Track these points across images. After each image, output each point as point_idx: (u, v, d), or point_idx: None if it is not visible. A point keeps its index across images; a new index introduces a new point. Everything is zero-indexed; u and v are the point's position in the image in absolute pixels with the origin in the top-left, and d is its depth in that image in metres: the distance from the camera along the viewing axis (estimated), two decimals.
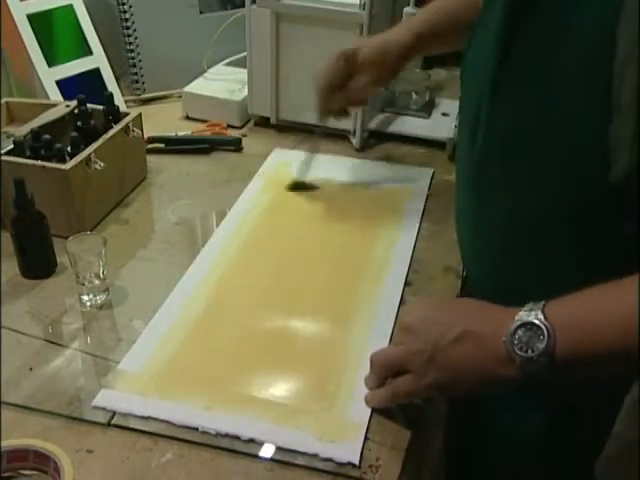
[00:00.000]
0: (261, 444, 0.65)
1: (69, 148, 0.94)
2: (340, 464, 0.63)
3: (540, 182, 0.62)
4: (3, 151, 0.93)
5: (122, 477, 0.62)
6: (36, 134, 0.94)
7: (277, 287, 0.86)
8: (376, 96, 1.23)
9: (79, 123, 0.99)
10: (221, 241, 0.94)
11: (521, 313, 0.56)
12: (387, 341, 0.76)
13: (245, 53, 1.21)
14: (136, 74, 1.34)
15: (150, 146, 1.14)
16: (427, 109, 1.27)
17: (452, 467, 0.89)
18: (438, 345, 0.60)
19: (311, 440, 0.65)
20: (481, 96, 0.66)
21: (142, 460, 0.63)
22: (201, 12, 1.36)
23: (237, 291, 0.85)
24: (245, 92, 1.24)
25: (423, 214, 1.01)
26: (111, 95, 1.05)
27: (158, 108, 1.34)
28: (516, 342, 0.56)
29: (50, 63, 1.20)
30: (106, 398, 0.69)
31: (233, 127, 1.25)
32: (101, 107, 1.03)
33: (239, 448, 0.64)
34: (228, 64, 1.36)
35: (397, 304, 0.83)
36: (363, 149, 1.19)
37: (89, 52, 1.25)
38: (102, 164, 0.93)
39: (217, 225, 0.98)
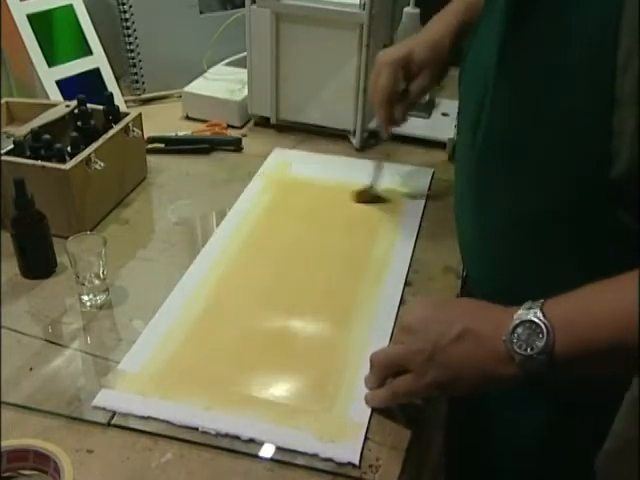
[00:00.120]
0: (261, 444, 0.65)
1: (69, 148, 0.94)
2: (340, 464, 0.63)
3: (540, 182, 0.63)
4: (3, 151, 0.93)
5: (122, 477, 0.62)
6: (36, 134, 0.94)
7: (277, 287, 0.86)
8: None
9: (79, 123, 0.99)
10: (221, 241, 0.94)
11: (520, 312, 0.57)
12: (387, 341, 0.76)
13: (245, 53, 1.21)
14: (136, 74, 1.34)
15: (150, 146, 1.14)
16: (427, 109, 1.27)
17: (452, 467, 0.89)
18: (438, 344, 0.60)
19: (311, 440, 0.65)
20: (482, 96, 0.66)
21: (142, 460, 0.63)
22: (201, 12, 1.36)
23: (237, 291, 0.85)
24: (245, 92, 1.24)
25: (423, 214, 1.01)
26: (111, 95, 1.05)
27: (158, 108, 1.34)
28: (515, 340, 0.56)
29: (50, 63, 1.20)
30: (106, 398, 0.69)
31: (233, 127, 1.25)
32: (101, 107, 1.03)
33: (239, 448, 0.64)
34: (228, 64, 1.36)
35: (397, 304, 0.83)
36: (363, 149, 1.19)
37: (89, 52, 1.25)
38: (102, 164, 0.93)
39: (217, 225, 0.98)
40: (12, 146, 0.94)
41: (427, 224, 0.99)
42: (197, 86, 1.29)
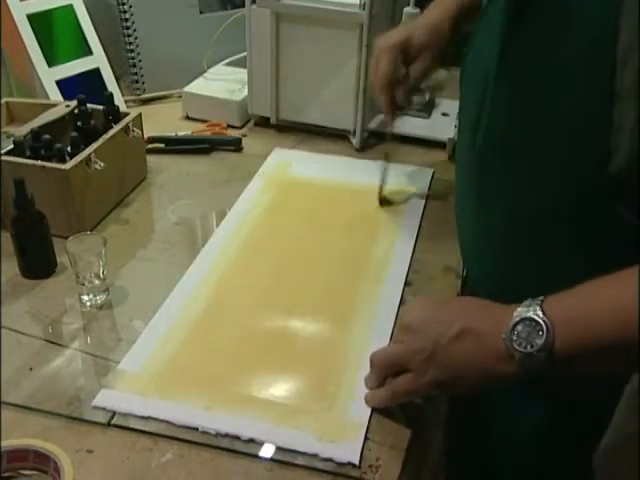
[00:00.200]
0: (261, 444, 0.65)
1: (69, 148, 0.94)
2: (340, 464, 0.63)
3: (540, 181, 0.63)
4: (3, 151, 0.93)
5: (122, 477, 0.62)
6: (36, 134, 0.94)
7: (277, 287, 0.86)
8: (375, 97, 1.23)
9: (79, 123, 0.99)
10: (221, 241, 0.94)
11: (520, 309, 0.57)
12: (387, 341, 0.76)
13: (245, 53, 1.21)
14: (136, 74, 1.34)
15: (150, 146, 1.14)
16: (427, 109, 1.27)
17: (452, 466, 0.89)
18: (438, 343, 0.60)
19: (311, 440, 0.65)
20: (482, 96, 0.66)
21: (142, 460, 0.63)
22: (201, 12, 1.36)
23: (237, 291, 0.85)
24: (245, 92, 1.24)
25: (423, 214, 1.01)
26: (111, 95, 1.05)
27: (158, 108, 1.34)
28: (515, 338, 0.56)
29: (50, 63, 1.20)
30: (106, 398, 0.69)
31: (233, 127, 1.25)
32: (101, 107, 1.03)
33: (239, 448, 0.64)
34: (228, 64, 1.36)
35: (397, 304, 0.83)
36: (363, 149, 1.19)
37: (89, 52, 1.25)
38: (102, 164, 0.93)
39: (217, 225, 0.98)
40: (12, 146, 0.94)
41: (427, 224, 0.99)
42: (197, 86, 1.29)
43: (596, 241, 0.62)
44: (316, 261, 0.91)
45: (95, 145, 0.94)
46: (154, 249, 0.93)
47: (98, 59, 1.26)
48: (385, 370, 0.66)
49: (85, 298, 0.82)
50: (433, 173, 1.11)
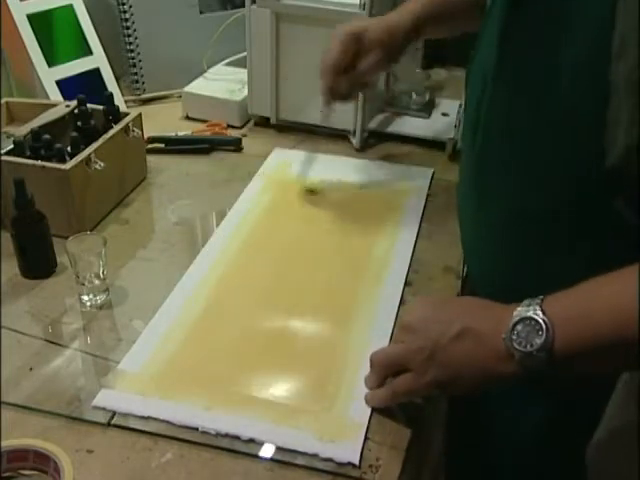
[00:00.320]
0: (261, 444, 0.65)
1: (69, 148, 0.94)
2: (340, 464, 0.63)
3: (539, 181, 0.63)
4: (3, 151, 0.93)
5: (122, 477, 0.62)
6: (36, 134, 0.94)
7: (277, 287, 0.86)
8: (376, 96, 1.23)
9: (79, 123, 0.99)
10: (221, 241, 0.94)
11: (519, 309, 0.57)
12: (387, 341, 0.76)
13: (245, 53, 1.21)
14: (136, 74, 1.34)
15: (150, 146, 1.14)
16: (427, 109, 1.27)
17: (452, 465, 0.89)
18: (438, 343, 0.60)
19: (311, 440, 0.65)
20: (482, 93, 0.66)
21: (142, 460, 0.63)
22: (201, 12, 1.36)
23: (237, 291, 0.85)
24: (245, 92, 1.24)
25: (423, 214, 1.01)
26: (111, 95, 1.05)
27: (158, 108, 1.34)
28: (515, 338, 0.56)
29: (50, 63, 1.20)
30: (106, 398, 0.69)
31: (233, 127, 1.25)
32: (101, 107, 1.03)
33: (239, 448, 0.64)
34: (228, 64, 1.36)
35: (397, 304, 0.83)
36: (363, 149, 1.19)
37: (89, 52, 1.25)
38: (102, 164, 0.93)
39: (217, 225, 0.98)
40: (12, 146, 0.94)
41: (427, 224, 0.99)
42: (197, 86, 1.29)
43: (596, 240, 0.62)
44: (316, 261, 0.91)
45: (95, 145, 0.94)
46: (154, 249, 0.93)
47: (98, 59, 1.26)
48: (385, 370, 0.66)
49: (85, 298, 0.82)
50: (433, 173, 1.11)
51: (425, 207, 1.02)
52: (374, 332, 0.78)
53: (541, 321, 0.55)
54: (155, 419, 0.67)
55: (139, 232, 0.97)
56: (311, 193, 1.04)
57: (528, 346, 0.55)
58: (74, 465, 0.60)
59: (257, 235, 0.95)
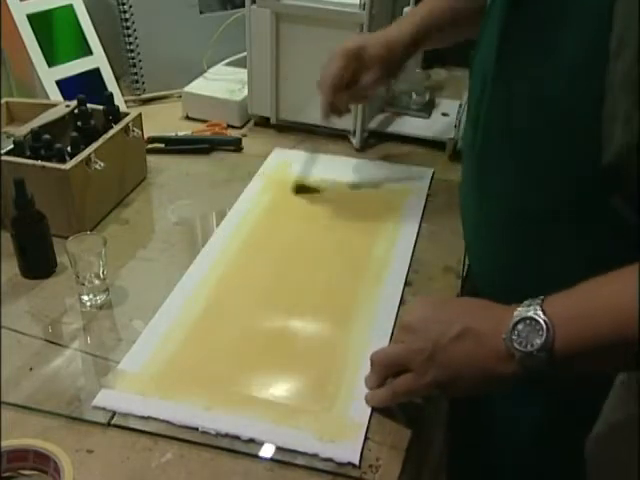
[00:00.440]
0: (261, 444, 0.65)
1: (69, 148, 0.94)
2: (340, 464, 0.63)
3: (539, 180, 0.63)
4: (3, 151, 0.93)
5: (122, 477, 0.62)
6: (36, 134, 0.94)
7: (277, 287, 0.86)
8: (376, 96, 1.23)
9: (79, 123, 0.99)
10: (221, 241, 0.94)
11: (520, 309, 0.57)
12: (387, 341, 0.76)
13: (245, 53, 1.21)
14: (136, 74, 1.34)
15: (150, 146, 1.14)
16: (427, 109, 1.27)
17: (453, 465, 0.89)
18: (438, 343, 0.60)
19: (311, 440, 0.65)
20: (482, 93, 0.66)
21: (142, 460, 0.63)
22: (201, 12, 1.36)
23: (237, 291, 0.85)
24: (245, 92, 1.24)
25: (423, 214, 1.01)
26: (111, 95, 1.05)
27: (158, 108, 1.34)
28: (515, 338, 0.56)
29: (50, 63, 1.20)
30: (106, 398, 0.69)
31: (233, 127, 1.25)
32: (101, 107, 1.03)
33: (239, 448, 0.64)
34: (228, 64, 1.36)
35: (397, 304, 0.83)
36: (363, 149, 1.19)
37: (89, 52, 1.25)
38: (102, 164, 0.93)
39: (217, 225, 0.98)
40: (12, 146, 0.94)
41: (427, 224, 0.99)
42: (197, 86, 1.29)
43: (596, 240, 0.62)
44: (316, 261, 0.91)
45: (95, 145, 0.94)
46: (154, 249, 0.93)
47: (98, 59, 1.26)
48: (385, 370, 0.66)
49: (85, 298, 0.82)
50: (433, 173, 1.11)
51: (425, 207, 1.02)
52: (374, 332, 0.78)
53: (541, 321, 0.55)
54: (155, 419, 0.67)
55: (139, 232, 0.97)
56: (303, 191, 1.04)
57: (528, 346, 0.55)
58: (74, 465, 0.60)
59: (257, 235, 0.95)
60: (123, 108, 1.12)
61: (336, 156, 1.16)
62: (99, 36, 1.26)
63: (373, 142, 1.21)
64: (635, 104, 0.52)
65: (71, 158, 0.90)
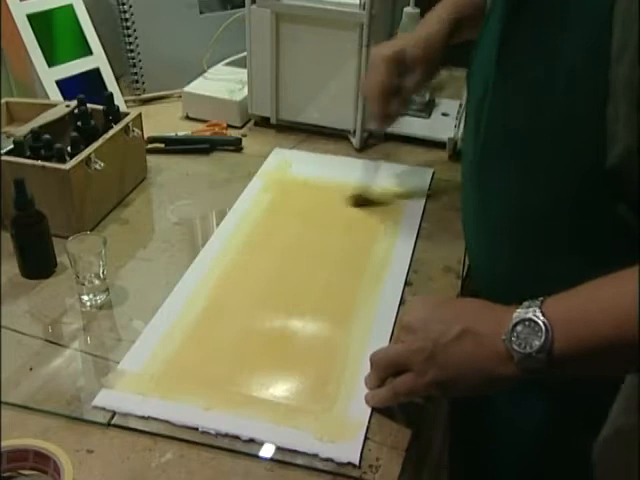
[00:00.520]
0: (261, 444, 0.65)
1: (69, 148, 0.94)
2: (340, 464, 0.63)
3: (540, 181, 0.63)
4: (3, 151, 0.93)
5: (122, 477, 0.62)
6: (36, 134, 0.94)
7: (277, 287, 0.86)
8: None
9: (79, 123, 0.99)
10: (221, 241, 0.94)
11: (519, 310, 0.57)
12: (387, 341, 0.76)
13: (245, 53, 1.21)
14: (136, 74, 1.34)
15: (150, 146, 1.14)
16: (427, 109, 1.27)
17: (454, 466, 0.89)
18: (438, 343, 0.60)
19: (311, 440, 0.65)
20: (483, 95, 0.66)
21: (142, 460, 0.63)
22: (201, 12, 1.36)
23: (237, 291, 0.85)
24: (245, 92, 1.24)
25: (423, 214, 1.01)
26: (111, 95, 1.05)
27: (158, 108, 1.34)
28: (515, 339, 0.56)
29: (50, 63, 1.19)
30: (106, 398, 0.69)
31: (233, 127, 1.25)
32: (101, 107, 1.03)
33: (239, 448, 0.64)
34: (228, 64, 1.36)
35: (397, 304, 0.83)
36: (363, 149, 1.19)
37: (89, 52, 1.25)
38: (102, 164, 0.93)
39: (217, 225, 0.98)
40: (12, 146, 0.94)
41: (427, 224, 0.99)
42: (197, 86, 1.29)
43: (596, 240, 0.62)
44: (316, 261, 0.91)
45: (95, 145, 0.94)
46: (154, 249, 0.93)
47: (98, 59, 1.26)
48: (385, 370, 0.66)
49: (85, 298, 0.82)
50: (433, 173, 1.11)
51: (425, 207, 1.02)
52: (374, 332, 0.78)
53: (541, 323, 0.55)
54: (155, 419, 0.67)
55: (139, 232, 0.97)
56: (364, 203, 1.01)
57: (528, 348, 0.55)
58: (74, 465, 0.60)
59: (257, 235, 0.95)
60: (123, 108, 1.12)
61: (336, 156, 1.16)
62: (99, 36, 1.26)
63: (373, 142, 1.21)
64: (635, 106, 0.52)
65: (71, 158, 0.90)
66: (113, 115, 1.03)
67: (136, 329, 0.78)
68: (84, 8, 1.25)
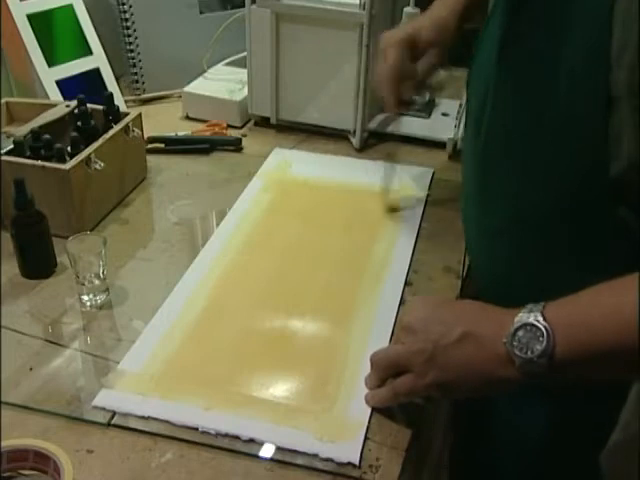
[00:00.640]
0: (261, 444, 0.65)
1: (69, 148, 0.94)
2: (340, 464, 0.63)
3: (541, 182, 0.63)
4: (3, 151, 0.93)
5: (122, 477, 0.62)
6: (36, 134, 0.94)
7: (277, 287, 0.86)
8: (376, 96, 1.23)
9: (79, 123, 0.99)
10: (221, 241, 0.94)
11: (521, 314, 0.56)
12: (387, 341, 0.76)
13: (245, 53, 1.21)
14: (136, 74, 1.34)
15: (150, 146, 1.14)
16: (427, 109, 1.27)
17: (456, 468, 0.89)
18: (438, 345, 0.60)
19: (311, 440, 0.65)
20: (484, 94, 0.66)
21: (142, 460, 0.63)
22: (201, 12, 1.36)
23: (237, 291, 0.85)
24: (245, 92, 1.24)
25: (423, 214, 1.01)
26: (111, 95, 1.05)
27: (158, 108, 1.34)
28: (516, 344, 0.56)
29: (50, 63, 1.19)
30: (106, 398, 0.69)
31: (233, 127, 1.25)
32: (101, 107, 1.03)
33: (239, 448, 0.64)
34: (228, 64, 1.36)
35: (397, 304, 0.83)
36: (363, 149, 1.19)
37: (89, 52, 1.25)
38: (102, 164, 0.93)
39: (217, 225, 0.98)
40: (12, 146, 0.94)
41: (427, 224, 0.99)
42: (197, 86, 1.29)
43: (596, 241, 0.62)
44: (316, 261, 0.91)
45: (95, 145, 0.94)
46: (154, 249, 0.93)
47: (98, 59, 1.26)
48: (385, 371, 0.66)
49: (85, 298, 0.82)
50: (433, 173, 1.11)
51: (425, 207, 1.02)
52: (374, 332, 0.78)
53: (542, 327, 0.54)
54: (155, 419, 0.67)
55: (139, 232, 0.97)
56: (394, 211, 1.01)
57: (529, 352, 0.55)
58: (74, 465, 0.60)
59: (257, 235, 0.95)
60: (123, 108, 1.12)
61: (336, 156, 1.16)
62: (99, 36, 1.26)
63: (373, 142, 1.21)
64: (636, 109, 0.52)
65: (71, 158, 0.90)
66: (113, 115, 1.03)
67: (136, 329, 0.78)
68: (84, 8, 1.25)
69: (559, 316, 0.55)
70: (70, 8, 1.24)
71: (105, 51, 1.27)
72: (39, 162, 0.89)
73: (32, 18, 1.17)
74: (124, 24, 1.30)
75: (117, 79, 1.29)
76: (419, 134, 1.20)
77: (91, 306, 0.82)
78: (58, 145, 0.92)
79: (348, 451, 0.64)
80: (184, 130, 1.21)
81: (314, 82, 1.18)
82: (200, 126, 1.24)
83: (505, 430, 0.77)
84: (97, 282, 0.81)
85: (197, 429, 0.66)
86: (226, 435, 0.65)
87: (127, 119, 1.02)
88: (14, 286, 0.85)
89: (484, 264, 0.76)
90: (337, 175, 1.09)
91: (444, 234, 0.95)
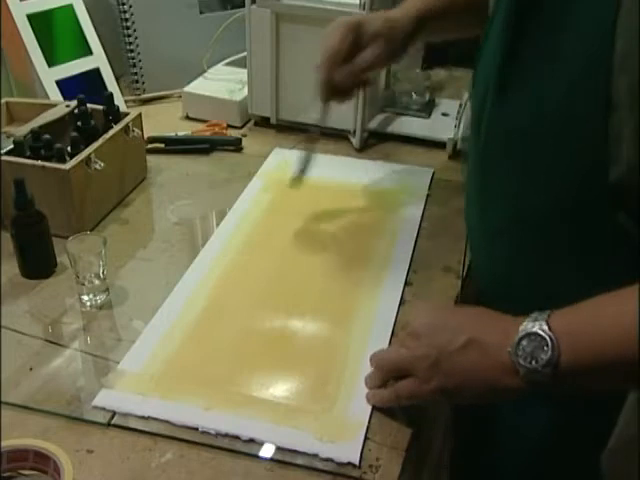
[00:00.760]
0: (261, 444, 0.65)
1: (69, 148, 0.94)
2: (340, 464, 0.63)
3: (540, 183, 0.63)
4: (3, 151, 0.93)
5: (122, 477, 0.62)
6: (36, 134, 0.94)
7: (277, 287, 0.86)
8: (376, 96, 1.24)
9: (79, 123, 0.99)
10: (221, 241, 0.94)
11: (525, 323, 0.56)
12: (387, 341, 0.76)
13: (245, 53, 1.21)
14: (136, 74, 1.34)
15: (150, 146, 1.14)
16: (427, 109, 1.27)
17: (457, 469, 0.88)
18: (443, 351, 0.60)
19: (311, 440, 0.65)
20: (485, 94, 0.66)
21: (142, 460, 0.63)
22: (201, 12, 1.36)
23: (237, 291, 0.85)
24: (245, 92, 1.24)
25: (423, 214, 1.01)
26: (111, 95, 1.05)
27: (158, 108, 1.34)
28: (520, 353, 0.55)
29: (50, 63, 1.20)
30: (106, 398, 0.69)
31: (233, 127, 1.25)
32: (101, 107, 1.03)
33: (239, 448, 0.64)
34: (228, 64, 1.36)
35: (397, 304, 0.83)
36: (363, 149, 1.19)
37: (89, 52, 1.25)
38: (102, 164, 0.93)
39: (217, 225, 0.98)
40: (12, 146, 0.94)
41: (427, 224, 0.99)
42: (197, 86, 1.29)
43: (595, 242, 0.62)
44: (316, 261, 0.90)
45: (95, 145, 0.94)
46: (154, 249, 0.93)
47: (98, 59, 1.26)
48: (388, 373, 0.66)
49: (85, 298, 0.82)
50: (433, 173, 1.11)
51: (425, 207, 1.02)
52: (374, 332, 0.78)
53: (547, 337, 0.54)
54: (155, 419, 0.67)
55: (139, 232, 0.97)
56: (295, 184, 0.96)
57: (533, 362, 0.55)
58: (74, 465, 0.60)
59: (257, 235, 0.95)
60: (123, 108, 1.12)
61: (336, 156, 1.16)
62: (99, 36, 1.26)
63: (373, 142, 1.21)
64: (636, 115, 0.52)
65: (71, 158, 0.90)
66: (113, 115, 1.03)
67: (136, 329, 0.78)
68: (84, 8, 1.25)
69: (564, 325, 0.55)
70: (70, 8, 1.24)
71: (105, 51, 1.27)
72: (39, 162, 0.89)
73: (32, 18, 1.17)
74: (124, 24, 1.30)
75: (117, 79, 1.29)
76: (419, 134, 1.20)
77: (91, 306, 0.82)
78: (58, 145, 0.92)
79: (348, 451, 0.64)
80: (184, 130, 1.21)
81: (314, 82, 1.17)
82: (200, 126, 1.24)
83: (507, 433, 0.77)
84: (97, 282, 0.81)
85: (197, 429, 0.66)
86: (226, 435, 0.65)
87: (127, 119, 1.02)
88: (14, 286, 0.85)
89: (484, 264, 0.76)
90: (337, 175, 1.09)
91: (444, 234, 0.95)
